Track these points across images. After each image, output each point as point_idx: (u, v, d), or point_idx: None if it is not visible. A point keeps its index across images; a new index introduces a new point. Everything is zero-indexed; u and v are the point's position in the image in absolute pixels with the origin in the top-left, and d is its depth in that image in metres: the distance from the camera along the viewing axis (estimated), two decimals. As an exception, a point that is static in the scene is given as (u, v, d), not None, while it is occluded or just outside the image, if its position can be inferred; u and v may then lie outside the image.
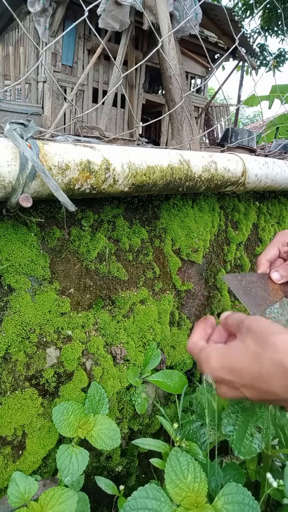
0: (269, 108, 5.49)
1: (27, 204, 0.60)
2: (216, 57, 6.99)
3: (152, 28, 1.75)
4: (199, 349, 0.51)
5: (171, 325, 1.07)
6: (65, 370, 0.83)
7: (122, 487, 0.82)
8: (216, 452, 0.75)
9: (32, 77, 5.11)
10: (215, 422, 0.77)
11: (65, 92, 5.35)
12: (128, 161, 0.75)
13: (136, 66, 1.41)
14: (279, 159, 1.34)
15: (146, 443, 0.79)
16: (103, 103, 4.56)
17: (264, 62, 9.09)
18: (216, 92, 6.81)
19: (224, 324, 0.54)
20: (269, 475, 0.71)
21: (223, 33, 5.80)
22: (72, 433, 0.74)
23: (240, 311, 1.31)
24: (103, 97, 5.63)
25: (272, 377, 0.41)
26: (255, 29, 8.85)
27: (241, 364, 0.44)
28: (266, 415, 0.74)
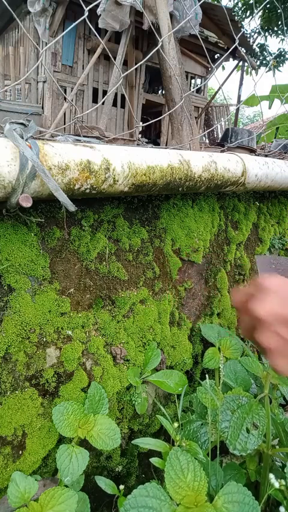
0: (269, 108, 5.50)
1: (27, 204, 0.60)
2: (216, 57, 6.99)
3: (152, 28, 1.75)
4: None
5: (171, 325, 1.07)
6: (65, 370, 0.83)
7: (122, 487, 0.82)
8: (218, 452, 0.75)
9: (32, 77, 5.11)
10: (216, 421, 0.77)
11: (65, 92, 5.35)
12: (128, 161, 0.75)
13: (136, 66, 1.41)
14: (279, 159, 1.34)
15: (146, 442, 0.79)
16: (103, 103, 4.56)
17: (264, 62, 9.08)
18: (216, 92, 6.80)
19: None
20: (271, 476, 0.71)
21: (223, 33, 5.80)
22: (72, 433, 0.74)
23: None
24: (103, 97, 5.63)
25: None
26: (255, 29, 8.85)
27: None
28: (263, 412, 0.74)
